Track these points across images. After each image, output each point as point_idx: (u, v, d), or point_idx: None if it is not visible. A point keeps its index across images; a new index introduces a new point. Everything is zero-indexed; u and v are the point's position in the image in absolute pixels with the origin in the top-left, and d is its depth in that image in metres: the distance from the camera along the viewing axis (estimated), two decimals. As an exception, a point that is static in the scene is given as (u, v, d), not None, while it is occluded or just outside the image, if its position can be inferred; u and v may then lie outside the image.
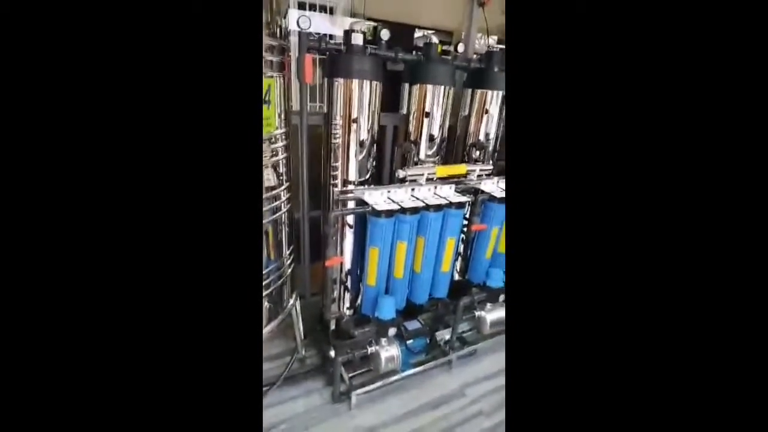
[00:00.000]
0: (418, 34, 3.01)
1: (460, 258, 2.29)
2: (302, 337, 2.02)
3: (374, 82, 1.65)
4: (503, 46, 2.84)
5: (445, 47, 2.12)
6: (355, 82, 1.61)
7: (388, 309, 1.74)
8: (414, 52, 1.86)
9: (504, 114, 2.19)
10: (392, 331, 1.76)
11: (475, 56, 2.35)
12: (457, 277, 2.32)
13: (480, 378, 2.06)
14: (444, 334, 2.10)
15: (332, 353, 1.78)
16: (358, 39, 1.59)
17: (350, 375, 1.87)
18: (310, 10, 2.66)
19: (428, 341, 2.01)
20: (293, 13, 1.51)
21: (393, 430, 1.72)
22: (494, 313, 2.10)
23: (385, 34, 1.69)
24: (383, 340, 1.78)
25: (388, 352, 1.78)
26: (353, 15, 2.87)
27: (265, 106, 1.36)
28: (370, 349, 1.80)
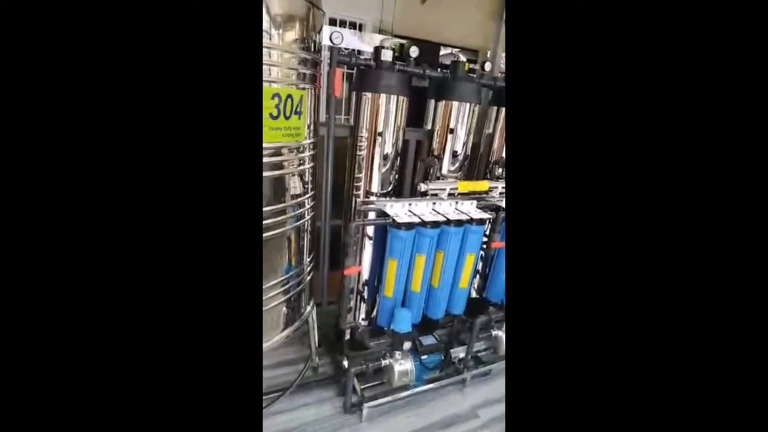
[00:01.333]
0: (444, 51, 3.06)
1: (478, 276, 2.27)
2: (317, 345, 2.03)
3: (401, 97, 1.69)
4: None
5: (471, 65, 2.15)
6: (383, 97, 1.66)
7: (404, 322, 1.74)
8: (440, 69, 1.89)
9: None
10: (407, 344, 1.75)
11: (500, 74, 2.37)
12: (474, 294, 2.29)
13: (493, 400, 2.00)
14: (459, 352, 2.06)
15: (345, 363, 1.78)
16: (387, 55, 1.64)
17: (363, 387, 1.86)
18: (340, 26, 2.76)
19: (443, 358, 1.98)
20: (326, 30, 1.57)
21: (403, 446, 1.70)
22: (511, 334, 2.06)
23: (414, 51, 1.73)
24: (398, 354, 1.77)
25: (402, 366, 1.76)
26: (381, 32, 2.96)
27: (295, 117, 1.41)
28: (384, 362, 1.79)
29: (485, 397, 2.01)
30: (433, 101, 1.98)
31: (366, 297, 2.02)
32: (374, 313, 2.00)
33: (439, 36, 2.97)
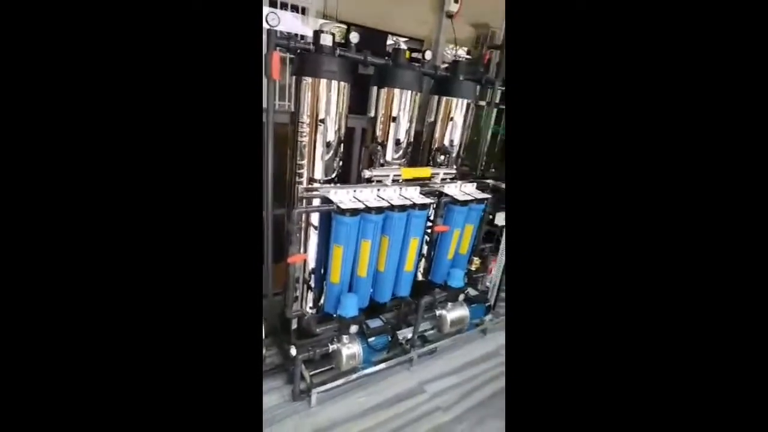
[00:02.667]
0: (391, 41, 3.08)
1: (423, 259, 2.36)
2: (263, 337, 2.00)
3: (342, 83, 1.68)
4: (469, 56, 2.97)
5: (415, 54, 2.19)
6: (323, 83, 1.64)
7: (350, 306, 1.77)
8: (387, 58, 1.91)
9: (467, 122, 2.29)
10: (354, 328, 1.79)
11: (443, 65, 2.44)
12: (420, 278, 2.38)
13: (438, 375, 2.12)
14: (406, 333, 2.14)
15: (293, 351, 1.78)
16: (326, 39, 1.62)
17: (311, 373, 1.87)
18: (281, 8, 2.66)
19: (390, 339, 2.05)
20: (263, 10, 1.52)
21: (352, 426, 1.74)
22: (454, 312, 2.18)
23: (354, 36, 1.73)
24: (345, 338, 1.80)
25: (350, 349, 1.80)
26: (326, 17, 2.90)
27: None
28: (332, 347, 1.81)
29: (432, 374, 2.12)
30: (375, 88, 1.99)
31: (313, 285, 2.02)
32: (321, 301, 2.00)
33: (387, 24, 2.97)
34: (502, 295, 2.67)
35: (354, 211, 1.67)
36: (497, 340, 2.50)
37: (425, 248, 2.31)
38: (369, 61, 1.79)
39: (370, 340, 1.94)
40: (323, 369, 1.91)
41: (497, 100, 2.50)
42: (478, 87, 2.38)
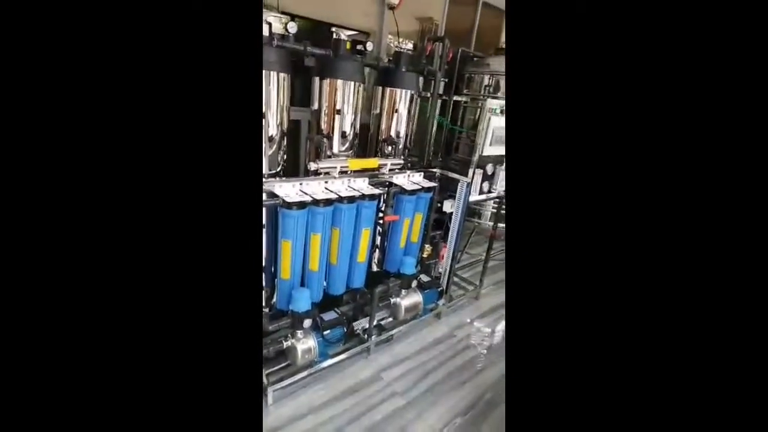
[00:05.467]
0: (345, 35, 3.04)
1: (377, 249, 2.39)
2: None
3: (282, 75, 1.65)
4: (410, 49, 3.02)
5: (359, 47, 2.19)
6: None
7: (302, 301, 1.75)
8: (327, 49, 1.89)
9: (412, 113, 2.34)
10: (308, 322, 1.78)
11: (386, 56, 2.47)
12: (376, 268, 2.41)
13: (395, 362, 2.17)
14: (363, 323, 2.17)
15: (246, 351, 1.74)
16: (263, 29, 1.58)
17: (266, 372, 1.83)
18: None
19: (345, 331, 2.06)
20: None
21: (311, 419, 1.74)
22: (408, 299, 2.24)
23: (292, 26, 1.69)
24: (299, 333, 1.79)
25: (305, 344, 1.79)
26: (266, 7, 2.80)
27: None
28: (286, 343, 1.79)
29: (388, 361, 2.17)
30: (317, 79, 1.97)
31: (264, 284, 1.98)
32: (274, 299, 1.97)
33: (332, 17, 2.93)
34: (455, 279, 2.78)
35: (301, 204, 1.65)
36: (450, 322, 2.60)
37: (379, 239, 2.34)
38: (308, 52, 1.77)
39: (325, 333, 1.94)
40: (279, 366, 1.88)
41: (440, 92, 2.57)
42: (422, 79, 2.43)
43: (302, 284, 1.89)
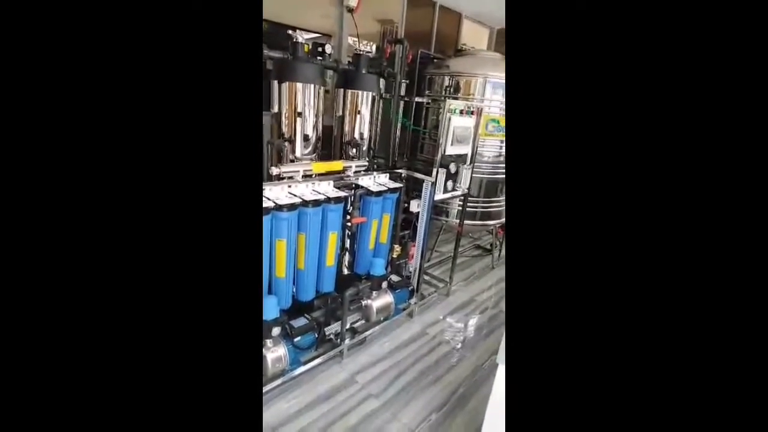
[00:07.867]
0: (308, 36, 3.00)
1: (347, 253, 2.38)
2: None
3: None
4: (372, 51, 3.03)
5: (319, 49, 2.17)
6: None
7: (269, 309, 1.71)
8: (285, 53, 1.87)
9: (374, 114, 2.35)
10: (276, 330, 1.74)
11: (347, 58, 2.46)
12: (346, 271, 2.39)
13: (369, 363, 2.17)
14: (335, 327, 2.15)
15: (212, 365, 1.67)
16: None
17: (236, 384, 1.78)
18: None
19: (317, 336, 2.03)
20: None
21: (286, 429, 1.70)
22: (379, 300, 2.24)
23: (246, 29, 1.66)
24: (268, 342, 1.75)
25: (275, 353, 1.75)
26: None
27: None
28: (255, 353, 1.74)
29: (362, 364, 2.16)
30: (276, 83, 1.93)
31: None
32: (241, 307, 1.91)
33: (291, 19, 2.89)
34: (425, 277, 2.82)
35: (264, 210, 1.61)
36: (423, 320, 2.63)
37: (348, 241, 2.33)
38: (267, 56, 1.74)
39: (295, 340, 1.91)
40: (249, 378, 1.83)
41: (402, 93, 2.60)
42: (383, 81, 2.45)
43: (269, 292, 1.85)
